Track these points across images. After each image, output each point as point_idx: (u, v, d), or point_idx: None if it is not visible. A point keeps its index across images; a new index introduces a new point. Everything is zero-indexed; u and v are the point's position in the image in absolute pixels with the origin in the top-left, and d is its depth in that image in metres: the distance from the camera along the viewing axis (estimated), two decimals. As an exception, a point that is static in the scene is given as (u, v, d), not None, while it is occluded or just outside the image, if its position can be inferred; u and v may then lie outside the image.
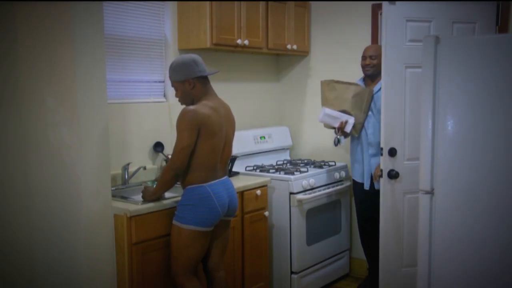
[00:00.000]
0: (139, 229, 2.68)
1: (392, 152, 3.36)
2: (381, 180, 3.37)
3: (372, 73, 3.60)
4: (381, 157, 3.34)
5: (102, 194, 2.65)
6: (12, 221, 2.76)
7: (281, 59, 4.52)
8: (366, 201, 3.70)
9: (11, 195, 2.75)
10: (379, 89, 3.53)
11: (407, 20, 3.35)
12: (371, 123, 3.58)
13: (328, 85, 3.65)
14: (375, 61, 3.56)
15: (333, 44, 4.21)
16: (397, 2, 3.32)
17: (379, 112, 3.50)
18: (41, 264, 2.77)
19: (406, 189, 3.42)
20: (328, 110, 3.62)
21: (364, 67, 3.62)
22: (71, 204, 2.60)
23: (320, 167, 3.95)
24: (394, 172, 3.37)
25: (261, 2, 3.78)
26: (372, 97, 3.57)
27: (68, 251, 2.65)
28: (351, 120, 3.54)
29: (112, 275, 2.71)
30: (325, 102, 3.67)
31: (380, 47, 3.54)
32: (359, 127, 3.59)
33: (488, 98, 2.62)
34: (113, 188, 2.91)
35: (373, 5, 3.97)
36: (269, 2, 3.85)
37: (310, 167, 3.93)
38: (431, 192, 2.77)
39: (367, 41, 3.97)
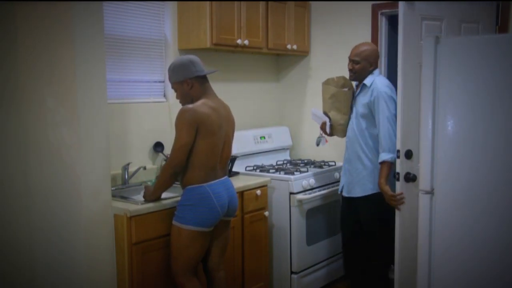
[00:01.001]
0: (139, 229, 2.68)
1: (409, 154, 3.13)
2: (397, 183, 3.16)
3: (355, 79, 3.39)
4: (398, 160, 3.11)
5: (102, 194, 2.65)
6: (12, 221, 2.76)
7: (281, 59, 4.52)
8: (343, 209, 3.58)
9: (11, 195, 2.75)
10: (358, 93, 3.37)
11: (423, 18, 3.25)
12: (349, 128, 3.42)
13: (322, 86, 3.55)
14: (357, 66, 3.31)
15: (333, 44, 4.21)
16: (415, 2, 3.21)
17: (356, 116, 3.35)
18: (41, 264, 2.77)
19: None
20: (313, 110, 3.65)
21: (348, 70, 3.40)
22: (71, 204, 2.60)
23: (320, 167, 3.95)
24: (411, 175, 3.14)
25: (261, 2, 3.78)
26: (352, 98, 3.42)
27: (68, 251, 2.65)
28: (328, 121, 3.50)
29: (112, 275, 2.71)
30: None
31: (367, 49, 3.33)
32: (340, 129, 3.47)
33: (488, 98, 2.62)
34: (113, 188, 2.91)
35: (373, 5, 3.97)
36: (269, 2, 3.85)
37: (310, 167, 3.93)
38: (431, 192, 2.78)
39: (367, 41, 3.97)
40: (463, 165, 2.69)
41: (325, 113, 3.52)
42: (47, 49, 2.61)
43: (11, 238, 2.76)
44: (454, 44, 2.71)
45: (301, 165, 3.99)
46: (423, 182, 2.79)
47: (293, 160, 4.28)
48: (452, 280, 2.76)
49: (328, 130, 3.52)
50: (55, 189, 2.67)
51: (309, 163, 4.07)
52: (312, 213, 3.72)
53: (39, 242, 2.77)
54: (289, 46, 4.06)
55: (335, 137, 3.65)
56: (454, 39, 2.80)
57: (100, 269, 2.66)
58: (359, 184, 3.36)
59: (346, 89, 3.42)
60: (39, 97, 2.67)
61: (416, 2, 3.23)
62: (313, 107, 3.85)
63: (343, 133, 3.50)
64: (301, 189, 3.62)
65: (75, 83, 2.51)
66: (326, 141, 3.73)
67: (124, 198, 2.91)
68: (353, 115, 3.41)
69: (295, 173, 3.68)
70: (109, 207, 2.69)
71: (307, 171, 3.78)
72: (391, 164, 3.19)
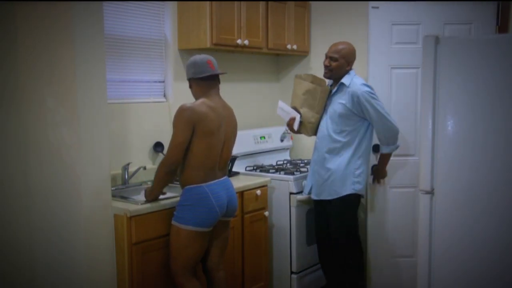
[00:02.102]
0: (139, 229, 2.68)
1: (376, 149, 3.49)
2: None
3: (330, 77, 3.31)
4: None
5: (102, 194, 2.65)
6: (12, 221, 2.76)
7: (281, 59, 4.52)
8: (316, 211, 3.50)
9: (11, 195, 2.75)
10: (335, 92, 3.29)
11: (393, 24, 3.57)
12: (322, 127, 3.31)
13: (295, 79, 3.43)
14: (334, 64, 3.23)
15: (333, 44, 4.21)
16: (381, 7, 3.56)
17: (331, 116, 3.26)
18: (41, 264, 2.77)
19: (391, 184, 3.66)
20: (281, 104, 3.45)
21: (324, 67, 3.32)
22: (71, 204, 2.60)
23: (320, 167, 3.94)
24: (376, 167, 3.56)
25: (261, 2, 3.78)
26: (328, 97, 3.31)
27: (68, 251, 2.65)
28: (298, 118, 3.34)
29: (112, 275, 2.71)
30: (292, 97, 3.48)
31: (346, 47, 3.28)
32: (310, 127, 3.35)
33: (488, 98, 2.62)
34: (113, 188, 2.91)
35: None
36: (269, 2, 3.85)
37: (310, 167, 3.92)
38: (431, 192, 2.78)
39: (367, 41, 3.97)
40: (463, 165, 2.70)
41: (295, 109, 3.38)
42: (47, 49, 2.61)
43: (11, 238, 2.76)
44: (454, 44, 2.71)
45: (301, 165, 3.99)
46: (423, 182, 2.80)
47: (293, 160, 4.27)
48: (452, 280, 2.76)
49: (296, 127, 3.36)
50: (55, 189, 2.67)
51: (309, 163, 4.06)
52: (312, 213, 3.72)
53: (39, 242, 2.77)
54: (289, 46, 4.06)
55: None
56: (454, 39, 2.81)
57: (100, 269, 2.66)
58: (330, 187, 3.28)
59: (322, 87, 3.30)
60: (39, 97, 2.67)
61: (382, 8, 3.53)
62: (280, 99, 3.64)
63: (312, 132, 3.39)
64: (301, 189, 3.62)
65: (75, 83, 2.51)
66: (291, 137, 3.63)
67: (124, 198, 2.91)
68: (327, 115, 3.30)
69: (295, 173, 3.67)
70: (109, 207, 2.69)
71: (307, 171, 3.77)
72: (390, 154, 3.38)
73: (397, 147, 3.32)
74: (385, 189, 3.66)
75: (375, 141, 3.41)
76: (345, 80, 3.24)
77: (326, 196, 3.31)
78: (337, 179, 3.26)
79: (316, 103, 3.31)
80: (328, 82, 3.43)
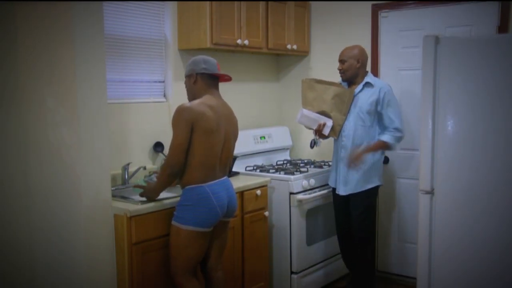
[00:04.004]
0: (139, 229, 2.68)
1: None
2: None
3: (346, 79, 3.45)
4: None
5: (102, 194, 2.65)
6: (12, 221, 2.76)
7: (281, 59, 4.52)
8: (340, 208, 3.59)
9: (11, 195, 2.75)
10: (360, 90, 3.41)
11: (400, 31, 3.89)
12: (348, 126, 3.41)
13: (308, 85, 3.50)
14: (344, 65, 3.40)
15: (333, 44, 4.20)
16: (389, 16, 3.90)
17: (358, 115, 3.38)
18: (41, 264, 2.77)
19: (399, 174, 3.98)
20: (306, 111, 3.48)
21: (339, 72, 3.48)
22: (71, 204, 2.60)
23: (320, 167, 3.95)
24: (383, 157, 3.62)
25: (261, 2, 3.78)
26: (352, 99, 3.41)
27: (68, 251, 2.65)
28: (330, 123, 3.40)
29: (112, 275, 2.71)
30: (304, 102, 3.52)
31: (353, 49, 3.41)
32: (338, 129, 3.44)
33: (488, 98, 2.62)
34: (113, 188, 2.91)
35: (373, 5, 3.97)
36: (269, 2, 3.85)
37: (310, 167, 3.93)
38: (431, 192, 2.78)
39: (367, 41, 3.97)
40: (463, 165, 2.70)
41: (326, 114, 3.43)
42: (47, 49, 2.61)
43: (11, 238, 2.76)
44: (454, 44, 2.72)
45: (301, 165, 3.99)
46: (423, 182, 2.80)
47: (293, 160, 4.27)
48: (452, 280, 2.76)
49: (328, 131, 3.44)
50: (55, 189, 2.67)
51: (309, 163, 4.07)
52: (312, 213, 3.72)
53: (39, 242, 2.77)
54: (289, 46, 4.06)
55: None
56: (454, 39, 2.81)
57: (100, 269, 2.66)
58: (364, 179, 3.41)
59: (351, 90, 3.40)
60: (39, 97, 2.68)
61: (391, 17, 3.88)
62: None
63: (338, 134, 3.46)
64: (301, 189, 3.62)
65: (75, 83, 2.51)
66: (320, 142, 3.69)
67: (124, 198, 2.91)
68: (354, 114, 3.40)
69: (295, 173, 3.67)
70: (109, 207, 2.69)
71: (307, 171, 3.78)
72: (383, 145, 3.41)
73: (398, 139, 3.40)
74: (392, 178, 3.95)
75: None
76: (369, 79, 3.41)
77: (361, 188, 3.42)
78: (370, 171, 3.41)
79: (344, 106, 3.41)
80: (340, 82, 3.56)
